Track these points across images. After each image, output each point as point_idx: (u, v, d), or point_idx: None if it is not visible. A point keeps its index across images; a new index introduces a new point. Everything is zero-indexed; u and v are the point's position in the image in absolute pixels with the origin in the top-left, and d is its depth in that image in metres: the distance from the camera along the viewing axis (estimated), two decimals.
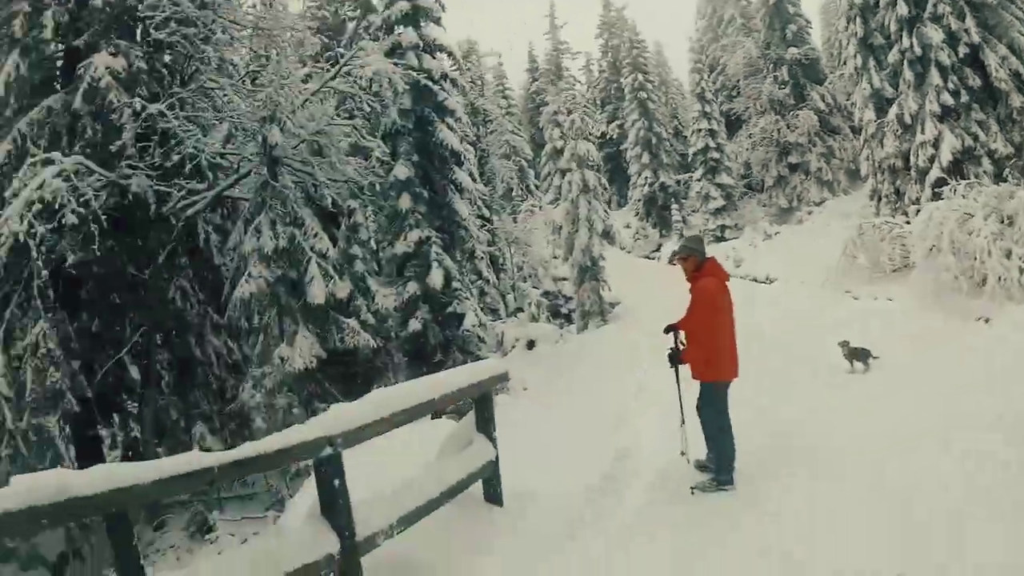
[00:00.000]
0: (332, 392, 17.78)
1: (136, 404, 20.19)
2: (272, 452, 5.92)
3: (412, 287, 21.94)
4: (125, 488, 4.88)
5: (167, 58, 20.47)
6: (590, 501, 9.59)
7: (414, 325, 21.83)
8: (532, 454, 11.09)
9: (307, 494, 9.83)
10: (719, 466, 9.53)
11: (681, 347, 10.10)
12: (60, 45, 20.92)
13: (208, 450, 17.75)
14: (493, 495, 9.13)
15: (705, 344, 9.49)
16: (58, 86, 19.45)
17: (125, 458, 21.28)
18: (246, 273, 16.55)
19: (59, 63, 21.12)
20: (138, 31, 19.22)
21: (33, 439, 16.79)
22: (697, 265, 9.73)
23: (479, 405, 9.10)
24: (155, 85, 19.16)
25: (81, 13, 18.91)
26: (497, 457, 9.04)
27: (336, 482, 6.42)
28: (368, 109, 19.82)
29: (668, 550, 7.84)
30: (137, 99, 17.40)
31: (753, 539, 7.77)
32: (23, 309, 17.12)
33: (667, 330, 10.27)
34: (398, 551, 7.30)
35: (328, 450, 6.31)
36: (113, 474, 4.94)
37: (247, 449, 5.83)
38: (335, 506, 6.40)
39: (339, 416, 6.60)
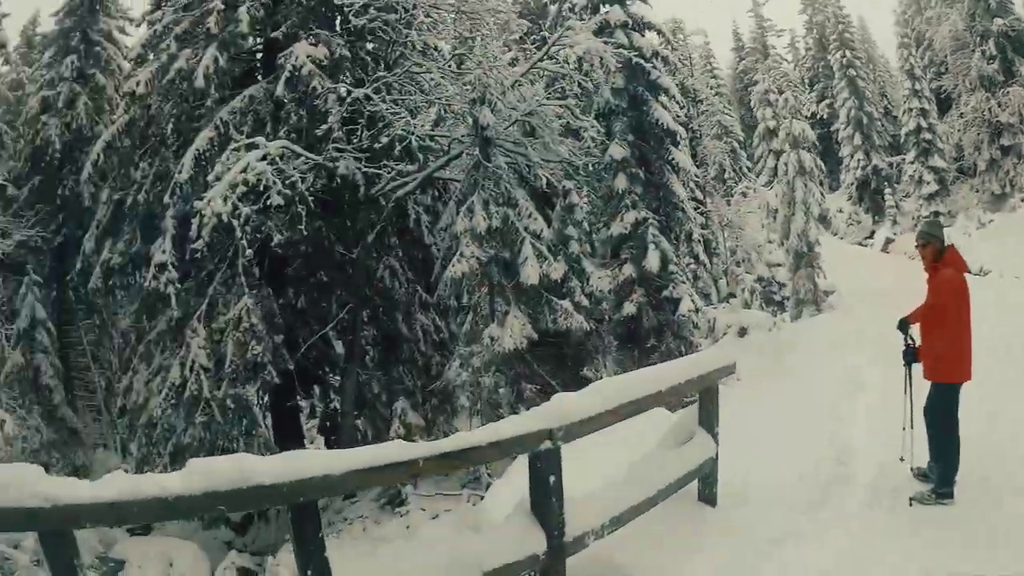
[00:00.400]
0: (540, 373, 17.55)
1: (338, 377, 20.68)
2: (485, 445, 5.41)
3: (627, 269, 21.68)
4: (313, 479, 4.48)
5: (369, 45, 20.88)
6: (805, 505, 8.84)
7: (628, 308, 21.56)
8: (743, 448, 10.23)
9: (511, 482, 9.68)
10: (941, 476, 8.53)
11: (913, 343, 9.12)
12: (258, 39, 21.71)
13: (408, 426, 17.72)
14: (708, 495, 8.45)
15: (946, 341, 8.49)
16: (259, 77, 20.15)
17: (322, 429, 22.17)
18: (458, 252, 16.49)
19: (258, 55, 22.01)
20: (337, 20, 19.77)
21: (231, 407, 17.40)
22: (936, 254, 8.76)
23: (703, 398, 8.39)
24: (359, 71, 19.52)
25: (277, 7, 19.66)
26: (717, 454, 8.36)
27: (551, 479, 5.88)
28: (579, 90, 19.17)
29: (889, 566, 7.06)
30: (342, 85, 17.53)
31: (977, 562, 6.82)
32: (227, 286, 17.76)
33: (901, 325, 9.23)
34: (600, 551, 6.77)
35: (547, 444, 5.74)
36: (301, 463, 4.52)
37: (458, 440, 5.33)
38: (548, 504, 5.88)
39: (561, 407, 6.00)
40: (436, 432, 19.01)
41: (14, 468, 3.92)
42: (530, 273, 16.69)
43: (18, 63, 36.85)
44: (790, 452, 11.22)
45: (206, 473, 4.25)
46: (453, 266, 16.51)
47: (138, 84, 19.82)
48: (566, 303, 17.50)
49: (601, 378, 19.39)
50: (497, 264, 17.14)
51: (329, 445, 21.91)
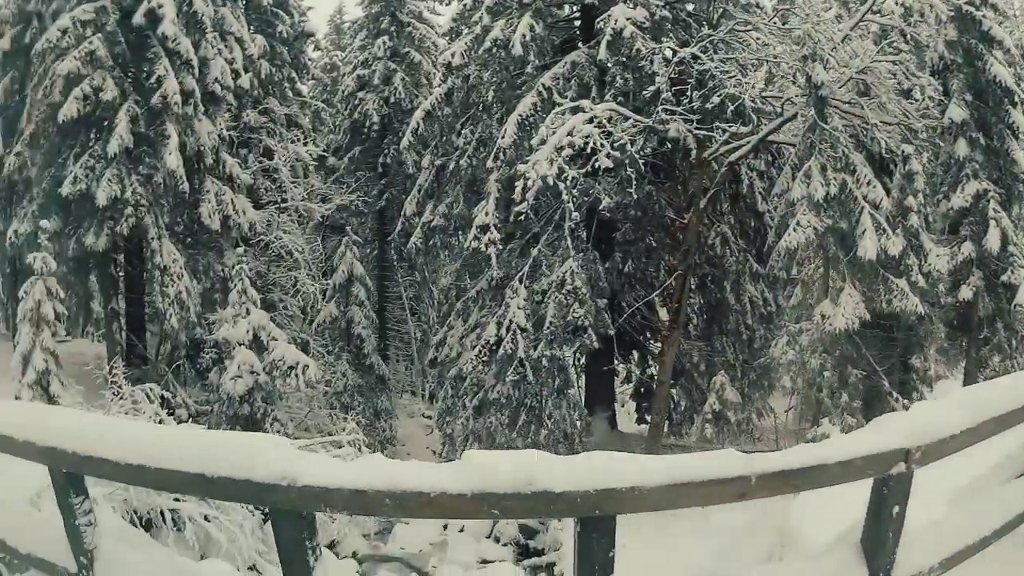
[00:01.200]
0: (868, 358, 16.42)
1: (658, 344, 20.47)
2: (832, 464, 4.27)
3: (966, 248, 19.00)
4: (617, 492, 3.63)
5: (689, 6, 20.63)
6: None
7: (964, 292, 18.92)
8: None
9: (826, 503, 8.60)
10: None
11: None
12: (574, 6, 21.86)
13: (724, 401, 17.25)
14: None
15: None
16: (579, 44, 20.22)
17: (636, 394, 22.24)
18: (794, 222, 15.60)
19: (576, 23, 22.24)
20: None
21: (545, 366, 17.49)
22: None
23: None
24: (681, 32, 19.18)
25: None
26: None
27: (895, 509, 4.71)
28: (910, 44, 17.74)
29: None
30: (666, 45, 17.24)
31: None
32: (552, 248, 17.96)
33: None
34: None
35: (900, 467, 4.71)
36: (604, 469, 3.65)
37: (798, 456, 4.23)
38: (882, 539, 4.64)
39: (922, 421, 4.91)
40: (749, 409, 18.48)
41: (263, 440, 3.61)
42: (868, 247, 15.54)
43: (329, 48, 39.73)
44: None
45: (483, 471, 3.56)
46: (789, 235, 15.71)
47: (454, 55, 20.55)
48: (902, 282, 16.10)
49: (929, 370, 17.98)
50: (834, 235, 16.19)
51: (640, 411, 22.00)
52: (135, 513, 12.35)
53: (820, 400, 16.38)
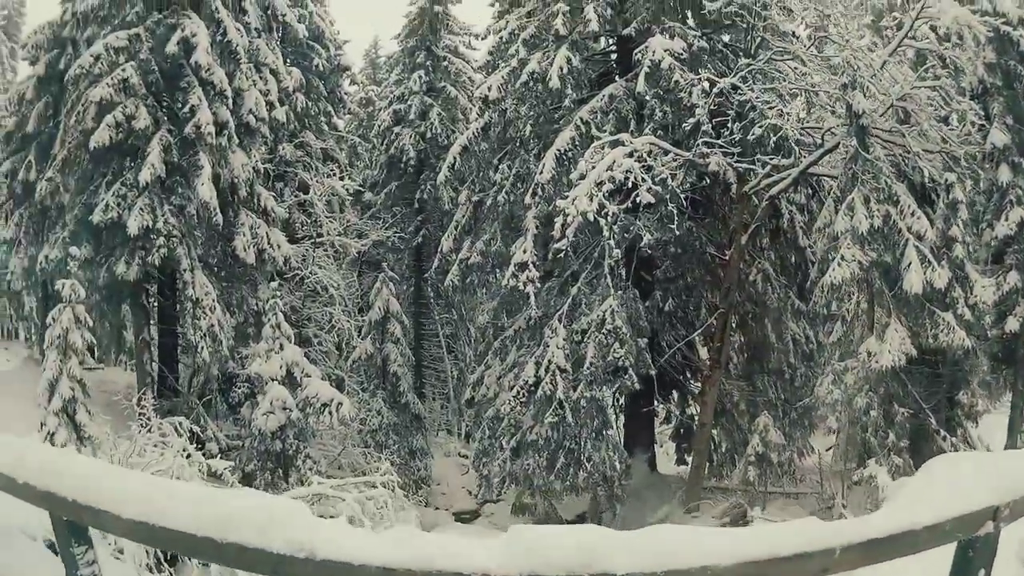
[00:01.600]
0: (914, 395, 15.76)
1: (699, 384, 20.03)
2: (921, 530, 3.84)
3: (1012, 278, 18.27)
4: (687, 573, 3.23)
5: (725, 37, 20.38)
6: None
7: (1011, 324, 18.20)
8: None
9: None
10: None
11: None
12: (609, 39, 21.71)
13: (767, 443, 16.70)
14: None
15: None
16: (616, 77, 20.04)
17: (676, 435, 21.71)
18: (838, 256, 15.02)
19: (612, 56, 22.16)
20: (688, 13, 19.21)
21: (583, 407, 17.06)
22: None
23: None
24: (719, 63, 18.94)
25: (624, 4, 19.36)
26: None
27: (981, 574, 4.30)
28: (945, 70, 17.26)
29: None
30: (705, 75, 16.92)
31: None
32: (591, 286, 17.60)
33: None
34: None
35: (987, 528, 4.16)
36: (670, 545, 3.30)
37: (883, 523, 3.82)
38: None
39: (1008, 473, 4.31)
40: (791, 449, 17.87)
41: (283, 506, 3.30)
42: (913, 280, 14.92)
43: (365, 83, 39.97)
44: None
45: (534, 549, 3.15)
46: (833, 270, 15.15)
47: (490, 89, 20.46)
48: (948, 315, 15.44)
49: (976, 405, 17.24)
50: (878, 269, 15.58)
51: (680, 452, 21.50)
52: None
53: (866, 440, 15.78)
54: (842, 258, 15.04)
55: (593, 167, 16.25)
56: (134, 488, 3.63)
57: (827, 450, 18.03)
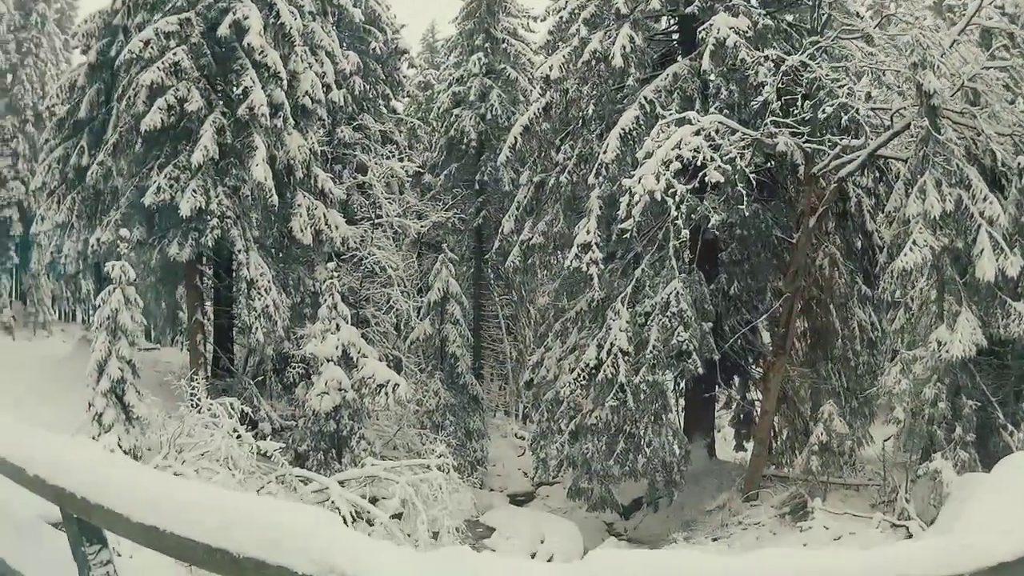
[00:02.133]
0: (982, 388, 15.16)
1: (760, 370, 19.62)
2: None
3: None
4: None
5: (789, 16, 19.92)
6: None
7: None
8: None
9: None
10: None
11: None
12: (671, 18, 21.25)
13: (832, 432, 16.23)
14: None
15: None
16: (678, 57, 19.72)
17: (736, 421, 21.32)
18: (910, 241, 14.39)
19: (674, 36, 21.72)
20: None
21: (645, 391, 16.66)
22: None
23: None
24: (783, 42, 18.44)
25: None
26: None
27: None
28: (1016, 49, 16.53)
29: None
30: (772, 53, 16.47)
31: None
32: (655, 268, 17.16)
33: None
34: None
35: None
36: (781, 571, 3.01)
37: (1011, 544, 3.48)
38: None
39: None
40: (852, 439, 17.31)
41: (311, 517, 2.94)
42: (985, 267, 14.20)
43: (423, 66, 39.96)
44: None
45: None
46: (904, 255, 14.45)
47: (551, 68, 20.14)
48: (1020, 305, 14.74)
49: None
50: (949, 255, 14.88)
51: (739, 439, 21.14)
52: None
53: (931, 432, 15.21)
54: (914, 243, 14.36)
55: (660, 146, 15.81)
56: (147, 488, 3.36)
57: (885, 440, 17.47)
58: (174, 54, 18.43)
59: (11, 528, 4.67)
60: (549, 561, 17.54)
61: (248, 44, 18.61)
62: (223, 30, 18.66)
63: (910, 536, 13.70)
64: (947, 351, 14.27)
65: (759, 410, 19.43)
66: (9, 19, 37.75)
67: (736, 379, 21.19)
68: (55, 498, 3.62)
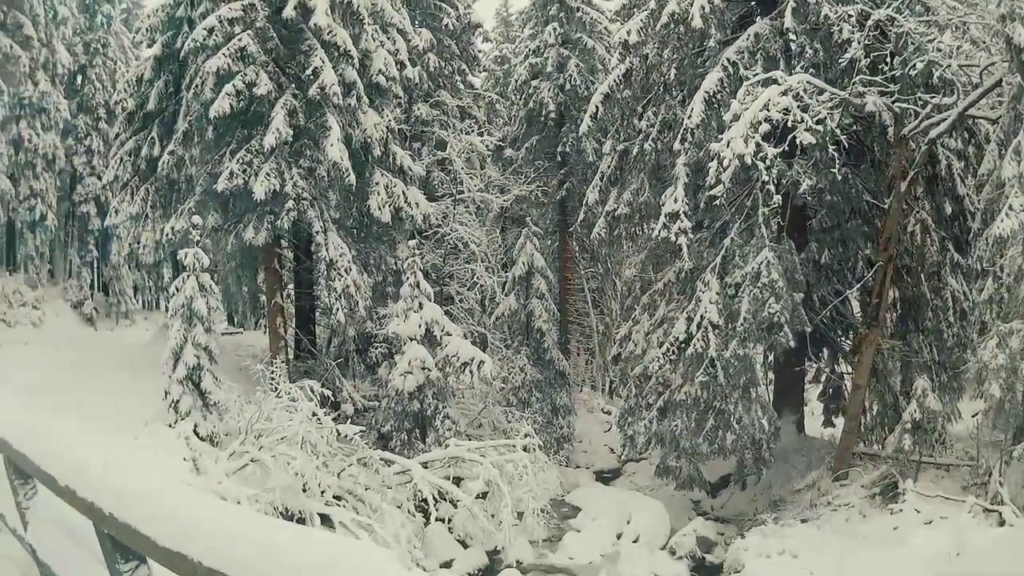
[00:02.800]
0: None
1: (849, 342, 18.93)
2: None
3: None
4: None
5: None
6: None
7: None
8: None
9: None
10: None
11: None
12: None
13: (926, 408, 15.45)
14: None
15: None
16: (757, 18, 18.86)
17: (824, 396, 20.67)
18: (1005, 206, 13.54)
19: None
20: None
21: (735, 365, 16.13)
22: None
23: None
24: None
25: None
26: None
27: None
28: None
29: None
30: (855, 9, 15.61)
31: None
32: (744, 237, 16.49)
33: None
34: None
35: None
36: None
37: None
38: None
39: None
40: (943, 416, 16.38)
41: (369, 558, 2.35)
42: None
43: (499, 40, 39.58)
44: None
45: None
46: (1001, 221, 13.61)
47: (629, 33, 19.59)
48: None
49: None
50: None
51: (828, 413, 20.48)
52: (286, 512, 12.07)
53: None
54: (1010, 207, 13.47)
55: (747, 108, 15.15)
56: (181, 509, 2.98)
57: (973, 416, 16.56)
58: (239, 39, 18.35)
59: (62, 535, 4.53)
60: (635, 542, 17.30)
61: (315, 24, 18.40)
62: (288, 12, 18.44)
63: (1003, 523, 12.98)
64: None
65: (849, 384, 18.75)
66: (74, 22, 38.46)
67: (825, 352, 20.44)
68: (87, 512, 3.38)
